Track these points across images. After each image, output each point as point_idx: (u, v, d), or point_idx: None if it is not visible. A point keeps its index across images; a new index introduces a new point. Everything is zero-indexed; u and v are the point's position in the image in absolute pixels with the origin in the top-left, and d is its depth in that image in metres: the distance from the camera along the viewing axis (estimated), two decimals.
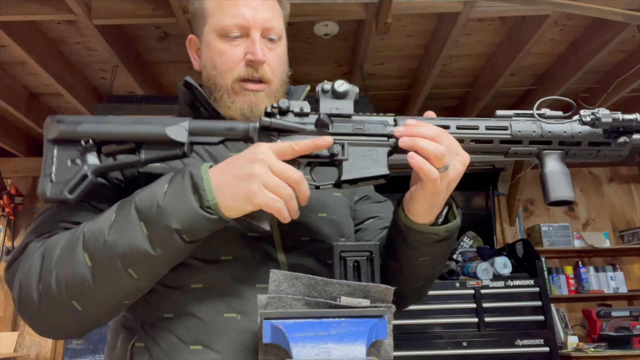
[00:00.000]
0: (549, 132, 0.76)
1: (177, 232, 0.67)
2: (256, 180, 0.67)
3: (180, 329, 0.75)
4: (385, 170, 0.74)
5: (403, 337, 2.97)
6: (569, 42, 3.11)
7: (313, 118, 0.76)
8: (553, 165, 0.75)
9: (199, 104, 0.87)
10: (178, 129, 0.75)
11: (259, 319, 0.63)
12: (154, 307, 0.77)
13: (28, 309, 0.71)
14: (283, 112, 0.76)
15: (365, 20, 2.67)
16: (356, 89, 0.78)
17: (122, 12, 2.55)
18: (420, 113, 3.66)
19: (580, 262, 4.13)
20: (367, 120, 0.77)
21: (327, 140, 0.72)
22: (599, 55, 2.92)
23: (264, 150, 0.69)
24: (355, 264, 0.70)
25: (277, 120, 0.75)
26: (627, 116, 0.74)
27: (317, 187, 0.75)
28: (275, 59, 0.90)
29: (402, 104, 3.90)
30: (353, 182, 0.74)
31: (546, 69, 3.42)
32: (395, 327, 2.75)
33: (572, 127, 0.76)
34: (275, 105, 0.76)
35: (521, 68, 3.30)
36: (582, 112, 0.76)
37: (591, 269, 4.07)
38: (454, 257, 3.68)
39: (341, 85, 0.76)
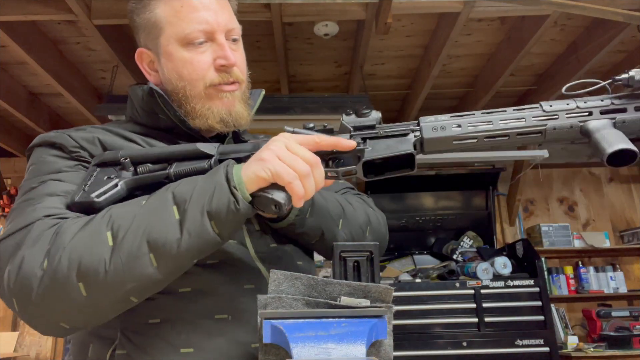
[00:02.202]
0: (585, 102, 0.70)
1: (209, 215, 0.66)
2: (269, 152, 0.68)
3: (169, 333, 0.74)
4: (410, 149, 0.71)
5: (403, 337, 2.97)
6: (569, 42, 3.11)
7: (336, 134, 0.76)
8: (602, 126, 0.68)
9: (159, 110, 0.84)
10: (209, 146, 0.77)
11: (259, 319, 0.63)
12: (136, 314, 0.74)
13: (24, 286, 0.64)
14: (307, 129, 0.77)
15: (365, 20, 2.68)
16: (379, 113, 0.77)
17: (122, 12, 2.55)
18: (420, 113, 3.68)
19: (580, 262, 4.14)
20: (390, 127, 0.75)
21: (351, 142, 0.72)
22: (599, 55, 2.92)
23: (284, 134, 0.71)
24: (355, 264, 0.70)
25: (300, 130, 0.75)
26: None
27: (339, 177, 0.74)
28: (241, 59, 0.88)
29: (402, 104, 3.90)
30: (378, 171, 0.72)
31: (546, 69, 3.43)
32: (395, 327, 2.75)
33: (608, 95, 0.70)
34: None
35: (521, 68, 3.30)
36: (614, 77, 0.70)
37: (591, 269, 4.07)
38: (454, 257, 3.68)
39: (365, 109, 0.77)
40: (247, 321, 0.76)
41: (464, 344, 2.99)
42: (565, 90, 0.72)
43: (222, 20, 0.84)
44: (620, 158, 0.65)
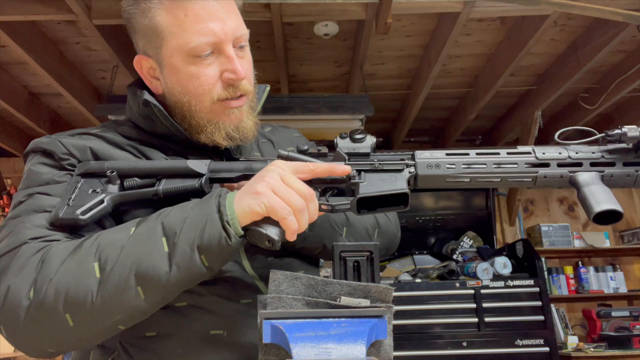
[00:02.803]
0: (577, 153, 0.72)
1: (199, 250, 0.64)
2: (264, 184, 0.66)
3: (165, 347, 0.74)
4: (404, 188, 0.72)
5: (403, 337, 2.97)
6: (569, 42, 3.11)
7: (331, 157, 0.76)
8: (590, 181, 0.70)
9: (156, 119, 0.81)
10: (199, 164, 0.76)
11: (259, 319, 0.63)
12: (134, 326, 0.72)
13: (11, 315, 0.64)
14: (300, 153, 0.76)
15: (365, 20, 2.67)
16: (374, 138, 0.77)
17: (122, 12, 2.55)
18: (420, 113, 3.65)
19: (580, 262, 4.14)
20: (385, 159, 0.75)
21: (346, 168, 0.71)
22: (599, 55, 2.92)
23: (279, 163, 0.70)
24: (355, 264, 0.70)
25: (294, 155, 0.74)
26: None
27: (333, 209, 0.73)
28: (249, 67, 0.83)
29: (402, 104, 3.90)
30: (371, 206, 0.72)
31: (546, 69, 3.42)
32: (395, 327, 2.75)
33: (599, 147, 0.73)
34: (291, 149, 0.76)
35: (521, 68, 3.30)
36: (607, 131, 0.72)
37: (591, 269, 4.07)
38: (454, 257, 3.68)
39: (359, 133, 0.76)
40: (242, 337, 0.75)
41: (464, 344, 2.99)
42: (558, 137, 0.74)
43: (230, 28, 0.77)
44: (606, 217, 0.68)
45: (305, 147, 0.76)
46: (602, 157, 0.72)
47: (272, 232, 0.65)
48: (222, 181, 0.77)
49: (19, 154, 4.11)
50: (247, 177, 0.76)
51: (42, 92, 3.50)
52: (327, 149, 0.77)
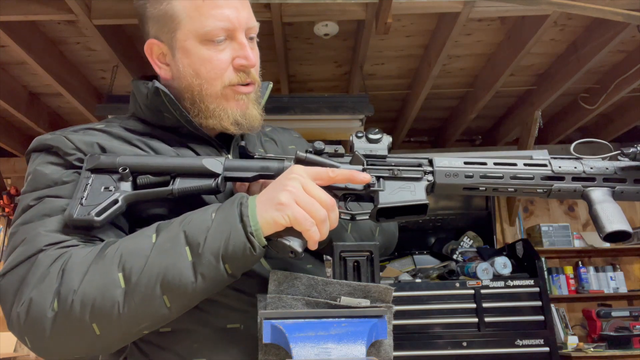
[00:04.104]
0: (591, 168, 0.74)
1: (223, 260, 0.65)
2: (287, 194, 0.66)
3: (181, 343, 0.73)
4: (424, 199, 0.72)
5: (403, 337, 2.97)
6: (569, 42, 3.11)
7: (348, 159, 0.76)
8: (603, 198, 0.72)
9: (165, 109, 0.81)
10: (214, 162, 0.75)
11: (259, 319, 0.63)
12: None
13: (36, 327, 0.64)
14: (317, 153, 0.75)
15: (365, 20, 2.68)
16: (390, 138, 0.77)
17: (122, 12, 2.55)
18: (420, 113, 3.65)
19: (580, 262, 4.13)
20: (403, 163, 0.76)
21: (365, 176, 0.71)
22: (599, 55, 2.92)
23: (299, 170, 0.69)
24: (355, 264, 0.70)
25: (312, 157, 0.74)
26: None
27: (353, 218, 0.73)
28: (257, 58, 0.86)
29: (402, 104, 3.90)
30: (390, 214, 0.72)
31: (546, 69, 3.42)
32: (395, 327, 2.75)
33: (613, 163, 0.75)
34: (309, 149, 0.76)
35: (521, 68, 3.30)
36: (622, 149, 0.75)
37: (591, 269, 4.07)
38: (454, 257, 3.68)
39: (375, 132, 0.76)
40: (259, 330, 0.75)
41: (464, 344, 2.99)
42: (574, 149, 0.76)
43: (243, 18, 0.81)
44: (615, 236, 0.70)
45: (322, 147, 0.75)
46: (615, 173, 0.74)
47: (295, 244, 0.66)
48: (238, 180, 0.77)
49: (19, 154, 4.11)
50: (262, 177, 0.76)
51: (42, 92, 3.50)
52: (343, 148, 0.76)
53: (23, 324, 0.64)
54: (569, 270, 4.06)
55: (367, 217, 0.73)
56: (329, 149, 0.76)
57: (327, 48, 3.12)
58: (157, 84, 0.81)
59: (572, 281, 4.02)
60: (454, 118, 4.09)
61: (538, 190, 0.75)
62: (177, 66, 0.82)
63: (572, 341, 3.52)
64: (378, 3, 2.45)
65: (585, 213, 4.35)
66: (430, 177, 0.75)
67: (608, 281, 4.01)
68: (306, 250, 0.87)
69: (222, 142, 0.86)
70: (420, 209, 0.73)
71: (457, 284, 3.13)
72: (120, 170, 0.73)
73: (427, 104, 3.67)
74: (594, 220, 0.71)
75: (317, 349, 0.56)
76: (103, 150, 0.78)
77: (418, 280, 3.30)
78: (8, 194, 3.96)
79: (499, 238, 4.15)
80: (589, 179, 0.74)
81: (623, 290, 3.98)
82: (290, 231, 0.66)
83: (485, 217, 4.00)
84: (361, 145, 0.76)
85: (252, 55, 0.82)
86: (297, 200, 0.65)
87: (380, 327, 0.62)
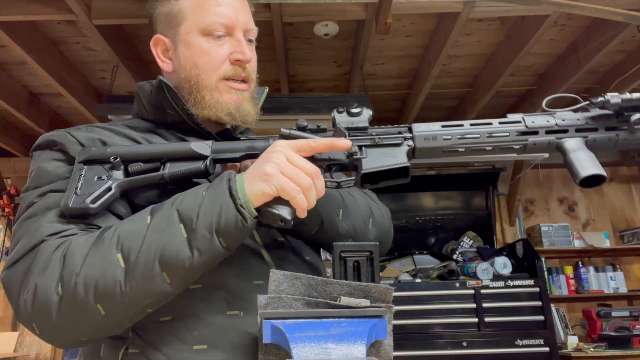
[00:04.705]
0: (563, 120, 0.77)
1: (217, 233, 0.68)
2: (272, 165, 0.68)
3: (182, 330, 0.75)
4: (405, 162, 0.75)
5: (403, 337, 2.97)
6: (569, 42, 3.11)
7: (330, 133, 0.78)
8: (576, 147, 0.75)
9: (167, 104, 0.85)
10: (202, 145, 0.78)
11: (259, 319, 0.63)
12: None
13: (42, 312, 0.66)
14: (301, 130, 0.78)
15: (365, 20, 2.68)
16: (370, 112, 0.79)
17: (122, 12, 2.55)
18: (420, 113, 3.65)
19: (580, 262, 4.14)
20: (383, 132, 0.78)
21: (346, 142, 0.73)
22: (599, 55, 2.92)
23: (282, 143, 0.72)
24: (355, 264, 0.70)
25: (296, 132, 0.77)
26: (637, 95, 0.74)
27: (339, 186, 0.77)
28: (254, 60, 0.92)
29: (402, 104, 3.90)
30: (374, 180, 0.75)
31: (546, 69, 3.43)
32: (395, 327, 2.75)
33: (584, 114, 0.77)
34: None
35: (521, 68, 3.30)
36: (591, 99, 0.77)
37: (591, 269, 4.07)
38: (454, 257, 3.68)
39: (355, 107, 0.78)
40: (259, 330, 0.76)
41: (464, 344, 2.99)
42: (546, 105, 0.79)
43: (242, 18, 0.88)
44: (590, 180, 0.72)
45: (305, 124, 0.78)
46: (587, 123, 0.76)
47: (284, 212, 0.69)
48: (226, 161, 0.80)
49: (19, 154, 4.11)
50: (250, 156, 0.78)
51: (42, 92, 3.50)
52: (326, 125, 0.78)
53: (30, 310, 0.67)
54: (569, 270, 4.06)
55: (352, 183, 0.76)
56: (312, 125, 0.78)
57: (327, 48, 3.12)
58: (161, 77, 0.85)
59: (572, 281, 4.03)
60: (454, 118, 4.08)
61: (514, 147, 0.77)
62: (178, 58, 0.88)
63: (572, 341, 3.52)
64: (378, 3, 2.45)
65: (586, 213, 4.36)
66: (410, 143, 0.77)
67: (608, 281, 4.01)
68: (305, 242, 0.89)
69: (224, 139, 0.88)
70: (403, 172, 0.75)
71: (457, 284, 3.14)
72: (111, 159, 0.75)
73: (427, 104, 3.67)
74: (569, 168, 0.74)
75: (317, 349, 0.56)
76: (105, 145, 0.80)
77: (418, 280, 3.30)
78: (8, 194, 3.96)
79: (499, 238, 4.15)
80: (562, 130, 0.76)
81: (623, 290, 3.98)
82: (278, 200, 0.69)
83: (485, 217, 4.00)
84: (343, 119, 0.78)
85: (248, 51, 0.87)
86: (282, 171, 0.68)
87: (380, 327, 0.62)
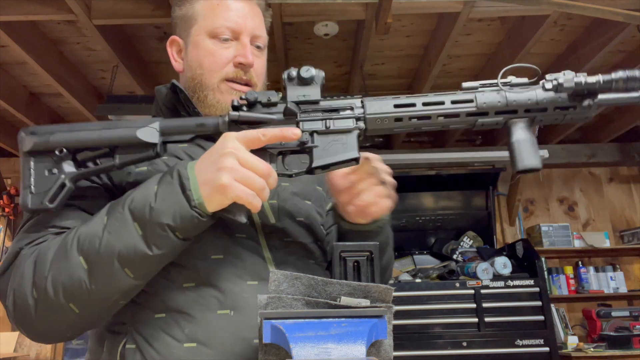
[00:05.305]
0: (514, 101, 0.77)
1: (171, 229, 0.69)
2: (226, 174, 0.68)
3: (174, 327, 0.76)
4: (355, 154, 0.76)
5: (403, 337, 2.97)
6: (569, 42, 3.11)
7: (281, 107, 0.77)
8: (519, 133, 0.75)
9: (180, 106, 0.89)
10: (149, 131, 0.76)
11: (259, 319, 0.63)
12: (144, 308, 0.78)
13: (23, 315, 0.72)
14: (251, 104, 0.77)
15: (365, 20, 2.68)
16: (322, 74, 0.79)
17: (122, 12, 2.55)
18: None
19: (580, 262, 4.13)
20: (335, 105, 0.78)
21: (295, 132, 0.73)
22: (599, 55, 2.92)
23: (231, 143, 0.71)
24: (355, 264, 0.70)
25: (245, 113, 0.76)
26: (590, 79, 0.75)
27: (291, 176, 0.77)
28: (260, 66, 0.94)
29: None
30: (325, 167, 0.76)
31: (546, 69, 3.42)
32: (395, 327, 2.76)
33: (536, 94, 0.77)
34: (243, 97, 0.77)
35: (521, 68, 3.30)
36: (546, 77, 0.77)
37: (591, 269, 4.07)
38: (454, 257, 3.68)
39: (307, 71, 0.77)
40: (249, 317, 0.77)
41: (464, 344, 2.99)
42: (502, 75, 0.79)
43: (250, 25, 0.91)
44: (527, 170, 0.75)
45: (255, 96, 0.77)
46: (537, 103, 0.76)
47: (241, 218, 0.72)
48: (176, 143, 0.80)
49: (19, 154, 4.11)
50: (200, 136, 0.78)
51: (42, 92, 3.50)
52: (276, 94, 0.78)
53: (14, 315, 0.73)
54: (569, 270, 4.06)
55: (304, 173, 0.77)
56: (263, 97, 0.77)
57: (327, 48, 3.12)
58: (174, 80, 0.90)
59: (572, 281, 4.02)
60: None
61: (463, 125, 0.79)
62: (187, 58, 0.92)
63: (572, 341, 3.52)
64: (378, 3, 2.45)
65: (586, 213, 4.36)
66: (361, 124, 0.77)
67: (608, 281, 4.01)
68: (307, 243, 0.90)
69: None
70: (353, 159, 0.77)
71: (457, 284, 3.14)
72: (57, 152, 0.75)
73: None
74: (509, 155, 0.75)
75: (317, 349, 0.56)
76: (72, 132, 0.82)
77: (418, 280, 3.30)
78: (8, 194, 3.96)
79: (499, 238, 4.15)
80: (512, 111, 0.76)
81: (623, 290, 3.98)
82: (234, 205, 0.71)
83: (485, 217, 4.00)
84: (294, 93, 0.77)
85: (252, 56, 0.89)
86: (236, 177, 0.68)
87: (380, 327, 0.62)
